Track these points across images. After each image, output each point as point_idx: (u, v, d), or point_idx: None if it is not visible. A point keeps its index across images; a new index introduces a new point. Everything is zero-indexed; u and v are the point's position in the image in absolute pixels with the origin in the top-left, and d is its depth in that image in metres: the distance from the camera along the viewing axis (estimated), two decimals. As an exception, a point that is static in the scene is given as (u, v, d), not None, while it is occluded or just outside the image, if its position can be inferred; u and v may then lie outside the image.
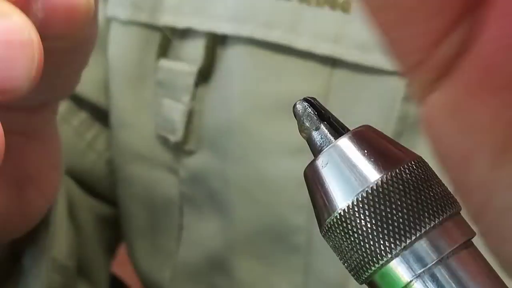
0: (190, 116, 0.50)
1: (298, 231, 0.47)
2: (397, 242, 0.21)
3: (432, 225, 0.21)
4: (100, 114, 0.54)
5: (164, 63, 0.51)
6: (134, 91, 0.52)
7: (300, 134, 0.22)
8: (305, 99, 0.22)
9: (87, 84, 0.52)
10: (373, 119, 0.44)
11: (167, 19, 0.50)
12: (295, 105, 0.22)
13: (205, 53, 0.49)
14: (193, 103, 0.49)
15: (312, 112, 0.22)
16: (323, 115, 0.22)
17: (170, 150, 0.51)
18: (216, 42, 0.48)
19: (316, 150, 0.22)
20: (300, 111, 0.22)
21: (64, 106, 0.52)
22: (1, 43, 0.24)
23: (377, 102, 0.44)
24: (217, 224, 0.50)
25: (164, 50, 0.51)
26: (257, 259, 0.49)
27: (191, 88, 0.49)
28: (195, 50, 0.49)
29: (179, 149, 0.51)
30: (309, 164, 0.22)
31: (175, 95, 0.50)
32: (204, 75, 0.49)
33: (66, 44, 0.27)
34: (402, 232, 0.21)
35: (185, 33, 0.50)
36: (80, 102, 0.54)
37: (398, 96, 0.43)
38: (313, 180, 0.22)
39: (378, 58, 0.43)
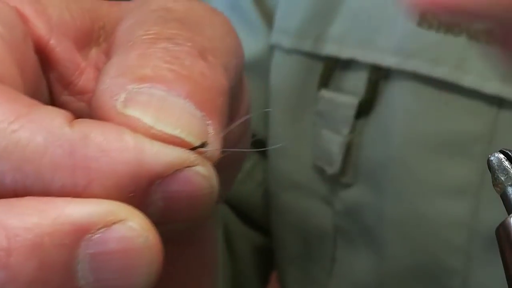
0: (348, 149, 0.49)
1: (454, 274, 0.46)
2: None
3: None
4: (259, 145, 0.55)
5: (325, 93, 0.50)
6: (293, 119, 0.52)
7: (494, 188, 0.21)
8: (502, 151, 0.21)
9: None
10: None
11: (331, 49, 0.50)
12: (489, 157, 0.21)
13: (368, 85, 0.48)
14: (352, 135, 0.49)
15: (508, 166, 0.21)
16: (521, 170, 0.21)
17: (327, 182, 0.51)
18: (379, 75, 0.47)
19: (510, 207, 0.21)
20: (495, 164, 0.21)
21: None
22: (118, 252, 0.21)
23: None
24: (369, 260, 0.49)
25: (325, 80, 0.50)
26: None
27: (351, 120, 0.49)
28: (357, 82, 0.49)
29: (335, 181, 0.50)
30: (503, 222, 0.21)
31: (334, 127, 0.50)
32: (365, 108, 0.48)
33: (191, 225, 0.25)
34: None
35: (348, 64, 0.49)
36: None
37: None
38: (506, 239, 0.20)
39: None
